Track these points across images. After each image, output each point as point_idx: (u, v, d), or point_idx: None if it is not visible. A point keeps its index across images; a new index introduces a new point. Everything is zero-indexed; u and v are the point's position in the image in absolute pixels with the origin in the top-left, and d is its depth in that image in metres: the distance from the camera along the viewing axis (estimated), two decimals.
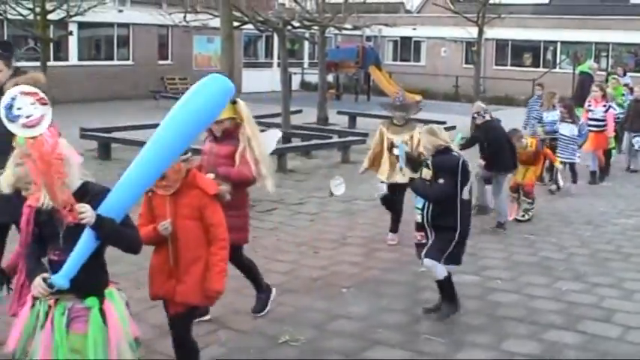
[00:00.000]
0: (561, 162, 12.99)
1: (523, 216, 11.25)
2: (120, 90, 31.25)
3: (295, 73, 34.73)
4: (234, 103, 6.40)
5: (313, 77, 36.28)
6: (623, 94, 17.89)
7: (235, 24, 19.73)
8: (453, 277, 7.23)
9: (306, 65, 39.99)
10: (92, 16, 30.39)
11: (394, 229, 9.91)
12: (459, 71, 38.08)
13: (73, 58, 31.01)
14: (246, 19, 18.35)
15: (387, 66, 42.03)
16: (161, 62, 33.77)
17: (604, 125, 14.76)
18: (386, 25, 25.59)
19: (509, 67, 39.14)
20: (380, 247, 9.66)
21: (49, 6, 16.89)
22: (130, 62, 32.84)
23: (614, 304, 7.61)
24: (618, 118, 15.88)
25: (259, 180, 6.55)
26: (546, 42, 39.20)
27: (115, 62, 32.45)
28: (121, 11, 32.66)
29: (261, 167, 6.47)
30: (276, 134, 7.42)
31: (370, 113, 23.42)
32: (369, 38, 43.07)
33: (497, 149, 10.70)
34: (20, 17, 17.47)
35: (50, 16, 17.16)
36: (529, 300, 7.68)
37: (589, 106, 15.08)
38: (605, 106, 14.79)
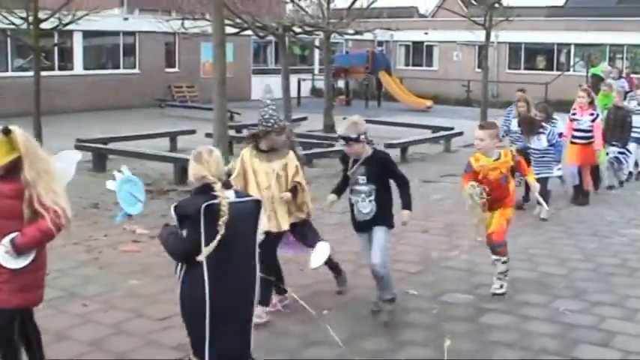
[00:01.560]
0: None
1: (501, 286, 7.92)
2: (126, 99, 30.93)
3: (304, 80, 34.23)
4: (7, 133, 5.13)
5: (324, 83, 35.81)
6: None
7: (234, 30, 19.34)
8: (444, 296, 6.67)
9: (316, 71, 39.51)
10: (97, 24, 30.26)
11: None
12: (471, 75, 37.45)
13: (78, 68, 30.71)
14: (245, 25, 17.87)
15: (399, 71, 41.58)
16: (168, 70, 33.42)
17: (591, 137, 12.62)
18: (388, 29, 24.99)
19: (522, 71, 38.50)
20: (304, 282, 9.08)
21: (42, 14, 16.41)
22: (136, 71, 32.50)
23: (614, 325, 7.03)
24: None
25: (67, 226, 5.27)
26: (560, 44, 38.53)
27: (121, 71, 32.14)
28: (126, 19, 32.35)
29: (63, 210, 5.22)
30: (73, 156, 6.14)
31: (378, 120, 22.92)
32: (380, 43, 42.61)
33: None
34: (13, 26, 16.98)
35: (44, 25, 16.63)
36: (523, 322, 7.11)
37: (573, 114, 12.84)
38: (592, 114, 12.64)
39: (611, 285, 8.26)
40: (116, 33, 31.52)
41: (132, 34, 32.02)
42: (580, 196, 12.81)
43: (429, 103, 32.21)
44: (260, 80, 35.90)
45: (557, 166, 12.03)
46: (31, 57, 29.49)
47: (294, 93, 34.45)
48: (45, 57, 29.74)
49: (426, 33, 40.90)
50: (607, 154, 13.99)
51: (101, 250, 9.76)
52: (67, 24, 17.25)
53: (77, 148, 16.88)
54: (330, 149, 17.11)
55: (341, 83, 35.17)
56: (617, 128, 13.98)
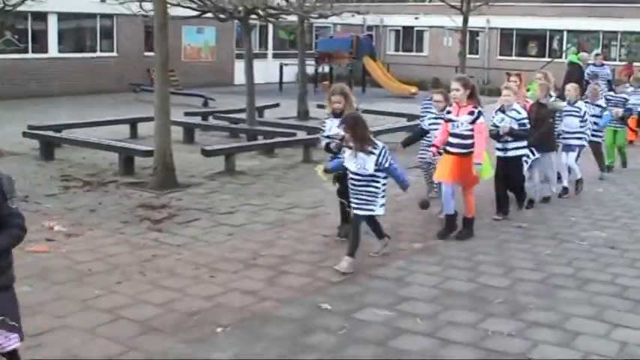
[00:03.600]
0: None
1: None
2: (103, 83, 29.97)
3: (287, 64, 33.18)
4: None
5: (311, 68, 34.81)
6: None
7: (194, 13, 18.34)
8: (360, 312, 5.70)
9: None
10: (73, 6, 29.28)
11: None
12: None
13: (53, 50, 29.68)
14: (205, 8, 16.87)
15: (390, 56, 40.54)
16: (147, 54, 32.30)
17: (471, 145, 9.28)
18: (357, 12, 23.92)
19: (513, 58, 37.41)
20: (291, 269, 8.15)
21: None
22: (114, 54, 31.47)
23: (547, 353, 6.07)
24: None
25: None
26: (552, 31, 37.39)
27: (99, 54, 31.10)
28: (103, 1, 31.28)
29: None
30: None
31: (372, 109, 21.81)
32: (370, 28, 41.55)
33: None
34: None
35: None
36: (442, 346, 6.14)
37: (448, 112, 9.55)
38: (472, 113, 9.14)
39: (555, 300, 7.28)
40: (93, 15, 30.46)
41: (110, 16, 30.93)
42: (461, 228, 9.58)
43: (413, 89, 31.15)
44: (242, 65, 34.98)
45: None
46: (4, 38, 28.72)
47: (276, 78, 33.59)
48: (17, 39, 28.96)
49: (416, 18, 39.80)
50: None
51: None
52: (15, 4, 16.21)
53: (24, 135, 16.02)
54: (290, 139, 16.11)
55: (326, 68, 34.08)
56: (535, 131, 10.88)
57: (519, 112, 10.42)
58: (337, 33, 37.41)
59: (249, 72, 17.70)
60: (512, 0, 36.59)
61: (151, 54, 31.78)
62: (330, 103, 8.99)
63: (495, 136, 10.44)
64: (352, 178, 8.18)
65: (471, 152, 9.20)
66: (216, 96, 27.56)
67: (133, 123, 18.67)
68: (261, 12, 17.42)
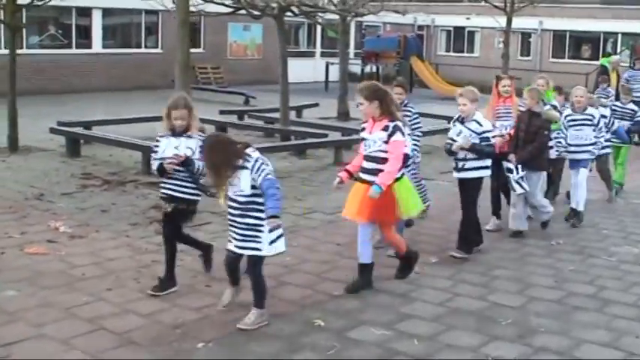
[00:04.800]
0: None
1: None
2: (147, 79, 29.86)
3: (333, 63, 32.75)
4: None
5: (358, 67, 34.40)
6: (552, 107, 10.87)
7: (227, 10, 18.03)
8: (355, 331, 5.24)
9: (352, 55, 37.97)
10: (118, 2, 29.24)
11: None
12: (513, 63, 35.48)
13: (97, 46, 29.71)
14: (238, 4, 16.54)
15: (440, 57, 39.91)
16: (192, 50, 32.06)
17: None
18: (396, 12, 23.35)
19: (566, 60, 36.48)
20: (293, 280, 7.73)
21: None
22: (158, 50, 31.39)
23: None
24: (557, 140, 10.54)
25: None
26: (606, 33, 36.37)
27: (143, 50, 31.09)
28: None
29: None
30: None
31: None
32: (421, 28, 40.95)
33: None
34: None
35: (20, 1, 15.52)
36: None
37: (362, 129, 7.71)
38: (386, 128, 7.22)
39: (569, 324, 6.71)
40: (138, 11, 30.42)
41: (155, 12, 30.84)
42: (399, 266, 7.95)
43: (459, 90, 30.45)
44: (291, 63, 34.67)
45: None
46: (48, 32, 28.84)
47: (323, 77, 33.19)
48: (61, 34, 29.04)
49: (467, 18, 39.08)
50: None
51: (4, 250, 8.55)
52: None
53: (53, 131, 15.84)
54: (320, 140, 15.68)
55: (373, 68, 33.62)
56: (527, 144, 9.42)
57: (481, 124, 8.50)
58: (385, 32, 36.89)
59: (284, 71, 17.33)
60: (566, 1, 35.72)
61: (196, 50, 32.23)
62: (168, 119, 7.12)
63: (449, 152, 8.76)
64: (229, 207, 6.44)
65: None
66: (260, 94, 27.28)
67: None
68: (296, 9, 16.99)
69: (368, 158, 7.32)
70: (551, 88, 11.05)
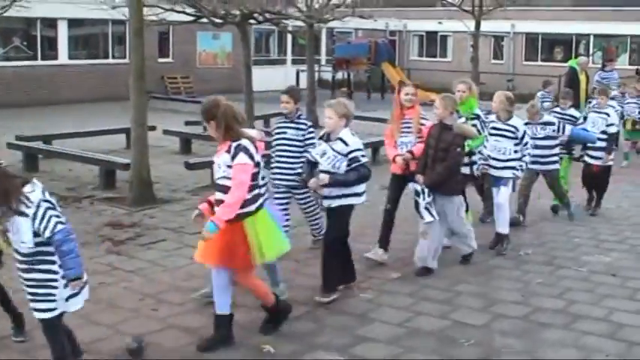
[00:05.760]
0: None
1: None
2: (115, 90, 29.22)
3: (303, 71, 32.38)
4: None
5: (329, 74, 34.07)
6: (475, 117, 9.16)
7: (188, 19, 17.62)
8: (307, 357, 4.85)
9: (323, 62, 37.66)
10: (83, 12, 28.71)
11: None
12: (486, 67, 35.36)
13: (63, 57, 29.19)
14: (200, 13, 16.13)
15: (413, 62, 39.67)
16: (161, 60, 31.77)
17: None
18: (361, 17, 22.96)
19: (539, 63, 36.30)
20: (247, 301, 7.22)
21: None
22: (126, 61, 30.80)
23: None
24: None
25: None
26: (579, 35, 36.21)
27: (110, 61, 30.58)
28: (114, 8, 30.73)
29: None
30: None
31: (370, 116, 20.91)
32: (393, 33, 40.69)
33: None
34: None
35: None
36: None
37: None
38: (229, 150, 6.01)
39: (535, 342, 6.32)
40: (104, 21, 29.92)
41: (122, 22, 30.39)
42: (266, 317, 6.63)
43: (433, 96, 30.04)
44: (261, 71, 34.30)
45: None
46: (12, 44, 28.27)
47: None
48: (26, 46, 28.50)
49: (439, 22, 38.82)
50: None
51: None
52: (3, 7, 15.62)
53: (9, 147, 15.35)
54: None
55: (344, 75, 33.28)
56: (437, 163, 8.01)
57: (347, 144, 7.03)
58: (357, 38, 36.58)
59: (248, 79, 17.06)
60: (537, 4, 35.56)
61: (165, 60, 31.81)
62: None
63: (303, 182, 7.61)
64: (15, 257, 5.26)
65: (237, 215, 5.88)
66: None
67: (129, 132, 17.89)
68: (259, 17, 16.58)
69: (217, 187, 6.09)
70: (474, 95, 9.19)
